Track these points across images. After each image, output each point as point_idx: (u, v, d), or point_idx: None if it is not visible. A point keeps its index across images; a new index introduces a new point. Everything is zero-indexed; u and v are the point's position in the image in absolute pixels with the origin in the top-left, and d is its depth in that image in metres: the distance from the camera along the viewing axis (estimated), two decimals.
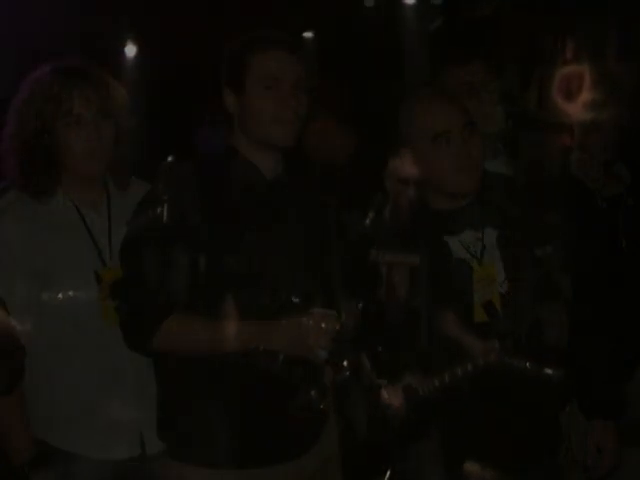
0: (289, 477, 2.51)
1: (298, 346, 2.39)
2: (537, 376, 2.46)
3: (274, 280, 2.46)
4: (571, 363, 2.61)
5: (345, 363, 2.37)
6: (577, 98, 3.19)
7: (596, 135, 3.22)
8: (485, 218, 2.62)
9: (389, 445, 2.59)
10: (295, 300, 2.42)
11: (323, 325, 2.37)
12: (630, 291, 3.16)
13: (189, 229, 2.41)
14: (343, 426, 2.64)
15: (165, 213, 2.42)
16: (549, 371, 2.44)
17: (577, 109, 3.16)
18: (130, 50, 7.16)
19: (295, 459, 2.52)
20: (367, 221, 2.59)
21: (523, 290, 2.58)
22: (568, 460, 2.89)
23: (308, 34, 7.05)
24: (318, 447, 2.57)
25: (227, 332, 2.40)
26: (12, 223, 2.58)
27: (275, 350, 2.40)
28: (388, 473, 2.61)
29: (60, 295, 2.55)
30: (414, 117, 2.64)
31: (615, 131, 3.24)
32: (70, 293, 2.56)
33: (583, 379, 2.67)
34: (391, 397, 2.43)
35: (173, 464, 2.52)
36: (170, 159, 2.42)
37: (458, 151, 2.57)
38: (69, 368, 2.57)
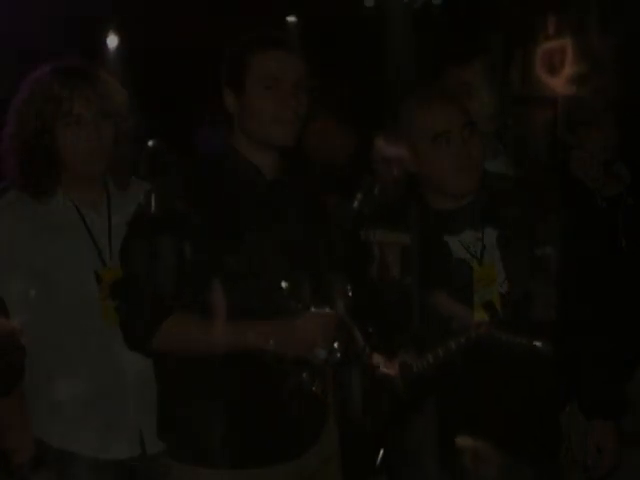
0: (289, 477, 2.51)
1: (297, 346, 2.39)
2: (528, 349, 2.47)
3: (274, 280, 2.46)
4: (571, 363, 2.62)
5: (336, 345, 2.37)
6: (560, 73, 3.20)
7: (596, 134, 3.22)
8: (485, 218, 2.62)
9: (383, 423, 2.59)
10: (295, 300, 2.42)
11: (322, 325, 2.37)
12: (630, 291, 3.16)
13: (189, 229, 2.41)
14: (338, 412, 2.64)
15: (165, 213, 2.43)
16: (538, 343, 2.45)
17: (560, 83, 3.17)
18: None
19: (295, 459, 2.52)
20: (355, 203, 2.60)
21: (523, 290, 2.59)
22: (568, 460, 2.89)
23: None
24: (318, 447, 2.56)
25: (226, 332, 2.40)
26: (12, 223, 2.58)
27: (274, 349, 2.40)
28: (381, 452, 2.61)
29: (60, 295, 2.56)
30: (414, 117, 2.64)
31: (615, 130, 3.24)
32: (70, 293, 2.57)
33: (583, 379, 2.68)
34: (388, 369, 2.45)
35: (173, 464, 2.52)
36: (151, 143, 2.41)
37: (458, 151, 2.58)
38: (69, 368, 2.57)
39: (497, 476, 2.53)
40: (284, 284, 2.38)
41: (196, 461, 2.47)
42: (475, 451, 2.51)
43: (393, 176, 2.52)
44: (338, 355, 2.37)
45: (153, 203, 2.45)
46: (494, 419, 2.53)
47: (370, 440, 2.66)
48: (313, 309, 2.40)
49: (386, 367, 2.46)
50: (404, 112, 2.68)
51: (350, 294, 2.44)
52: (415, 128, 2.62)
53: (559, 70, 3.20)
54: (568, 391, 2.74)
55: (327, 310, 2.40)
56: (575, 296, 2.63)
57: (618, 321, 2.90)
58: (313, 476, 2.57)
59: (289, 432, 2.49)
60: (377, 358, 2.48)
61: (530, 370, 2.54)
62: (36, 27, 5.67)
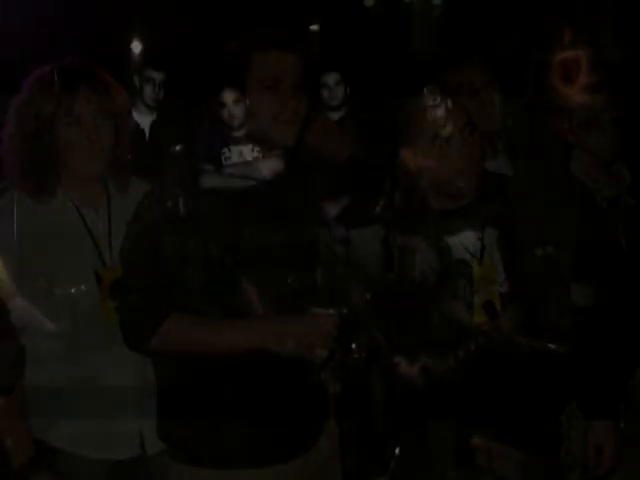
0: (289, 477, 2.51)
1: (297, 345, 2.39)
2: (542, 350, 2.48)
3: (274, 280, 2.46)
4: (571, 363, 2.62)
5: (353, 346, 2.37)
6: (575, 83, 3.19)
7: (596, 134, 3.22)
8: (485, 218, 2.62)
9: (402, 424, 2.59)
10: (295, 299, 2.42)
11: (322, 325, 2.37)
12: (630, 291, 3.16)
13: (189, 229, 2.41)
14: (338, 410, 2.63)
15: (165, 213, 2.43)
16: (553, 345, 2.46)
17: (574, 94, 3.16)
18: (130, 49, 7.17)
19: (295, 459, 2.52)
20: (377, 208, 2.60)
21: (523, 290, 2.59)
22: (568, 460, 2.89)
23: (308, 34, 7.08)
24: (318, 447, 2.56)
25: (227, 332, 2.41)
26: (12, 223, 2.58)
27: (274, 350, 2.40)
28: (397, 450, 2.60)
29: (60, 295, 2.56)
30: (414, 117, 2.64)
31: (615, 130, 3.24)
32: (70, 293, 2.56)
33: (583, 379, 2.68)
34: (409, 372, 2.45)
35: (173, 464, 2.52)
36: (179, 147, 2.42)
37: (458, 151, 2.58)
38: (69, 368, 2.57)
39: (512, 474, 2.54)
40: (295, 298, 2.39)
41: (196, 461, 2.47)
42: (490, 451, 2.51)
43: (415, 186, 2.54)
44: (356, 356, 2.38)
45: (153, 203, 2.45)
46: (506, 418, 2.52)
47: (381, 441, 2.66)
48: (314, 309, 2.40)
49: (406, 370, 2.47)
50: (404, 112, 2.68)
51: (368, 296, 2.45)
52: (415, 128, 2.62)
53: (573, 80, 3.19)
54: (568, 391, 2.74)
55: (328, 310, 2.40)
56: (575, 296, 2.63)
57: (618, 321, 2.90)
58: (313, 476, 2.56)
59: (289, 432, 2.49)
60: (398, 359, 2.49)
61: (539, 368, 2.54)
62: (36, 27, 5.67)
